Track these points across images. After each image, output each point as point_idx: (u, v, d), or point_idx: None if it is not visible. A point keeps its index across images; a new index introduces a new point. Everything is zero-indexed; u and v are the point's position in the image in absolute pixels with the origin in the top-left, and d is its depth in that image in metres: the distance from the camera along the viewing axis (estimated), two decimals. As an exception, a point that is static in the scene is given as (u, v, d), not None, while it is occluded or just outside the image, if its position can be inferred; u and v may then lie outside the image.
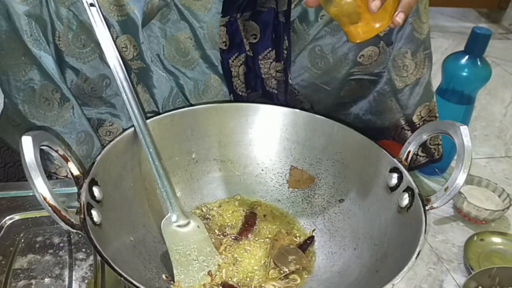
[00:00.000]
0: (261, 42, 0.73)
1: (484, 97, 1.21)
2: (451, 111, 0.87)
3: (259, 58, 0.74)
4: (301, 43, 0.74)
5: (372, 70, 0.76)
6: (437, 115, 0.81)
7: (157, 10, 0.69)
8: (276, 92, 0.76)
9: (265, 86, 0.75)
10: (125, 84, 0.60)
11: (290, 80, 0.75)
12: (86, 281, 0.57)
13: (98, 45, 0.68)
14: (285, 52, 0.73)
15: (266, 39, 0.73)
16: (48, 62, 0.67)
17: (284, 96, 0.76)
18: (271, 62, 0.73)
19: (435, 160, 0.84)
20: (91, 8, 0.63)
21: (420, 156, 0.84)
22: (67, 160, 0.53)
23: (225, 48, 0.72)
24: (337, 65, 0.74)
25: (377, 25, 0.55)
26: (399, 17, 0.54)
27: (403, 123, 0.80)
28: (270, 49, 0.73)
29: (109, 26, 0.67)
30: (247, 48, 0.73)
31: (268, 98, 0.76)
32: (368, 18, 0.54)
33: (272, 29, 0.72)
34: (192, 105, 0.72)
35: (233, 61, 0.73)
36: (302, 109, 0.69)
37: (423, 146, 0.82)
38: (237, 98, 0.75)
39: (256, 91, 0.76)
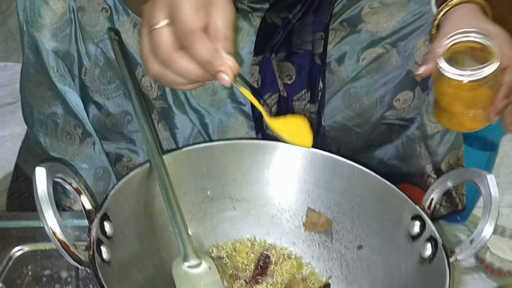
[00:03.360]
0: (296, 83, 0.72)
1: (507, 143, 1.18)
2: (474, 158, 0.85)
3: (293, 99, 0.73)
4: (337, 84, 0.73)
5: (404, 115, 0.75)
6: (464, 164, 0.79)
7: None
8: None
9: None
10: (143, 118, 0.60)
11: (323, 122, 0.74)
12: (91, 319, 0.56)
13: (123, 81, 0.69)
14: (319, 94, 0.73)
15: (302, 80, 0.72)
16: (73, 97, 0.67)
17: (315, 138, 0.75)
18: (305, 104, 0.73)
19: (459, 211, 0.81)
20: (115, 42, 0.63)
21: (443, 206, 0.81)
22: (80, 193, 0.52)
23: (257, 86, 0.71)
24: (372, 107, 0.74)
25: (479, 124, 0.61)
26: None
27: (429, 170, 0.78)
28: (305, 90, 0.72)
29: (136, 64, 0.68)
30: (281, 88, 0.72)
31: None
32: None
33: (308, 71, 0.72)
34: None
35: (265, 100, 0.72)
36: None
37: (448, 195, 0.80)
38: (266, 139, 0.74)
39: None
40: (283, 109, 0.74)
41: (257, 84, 0.71)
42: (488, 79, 0.54)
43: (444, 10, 0.62)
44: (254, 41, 0.71)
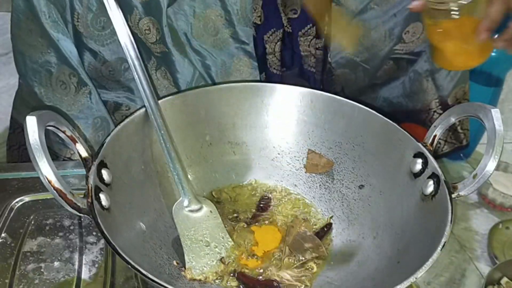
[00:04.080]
0: (301, 17, 0.69)
1: (512, 78, 1.16)
2: (478, 93, 0.83)
3: (299, 35, 0.70)
4: (345, 18, 0.70)
5: (413, 49, 0.72)
6: (469, 98, 0.77)
7: None
8: (314, 70, 0.73)
9: (303, 64, 0.72)
10: (136, 62, 0.58)
11: (329, 58, 0.72)
12: (96, 265, 0.56)
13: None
14: (326, 28, 0.70)
15: (307, 14, 0.69)
16: (66, 45, 0.65)
17: (321, 75, 0.73)
18: (311, 39, 0.70)
19: (463, 146, 0.80)
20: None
21: (448, 142, 0.80)
22: (75, 142, 0.51)
23: (260, 23, 0.68)
24: (381, 41, 0.71)
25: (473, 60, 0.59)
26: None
27: (435, 106, 0.76)
28: (310, 25, 0.69)
29: (132, 7, 0.65)
30: (285, 23, 0.69)
31: (304, 78, 0.73)
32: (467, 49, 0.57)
33: (313, 4, 0.68)
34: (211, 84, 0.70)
35: (269, 37, 0.70)
36: (327, 91, 0.65)
37: (452, 130, 0.79)
38: (270, 77, 0.72)
39: (292, 69, 0.73)
40: (288, 46, 0.71)
41: (260, 20, 0.68)
42: (469, 9, 0.53)
43: None
44: None
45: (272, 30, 0.69)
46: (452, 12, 0.54)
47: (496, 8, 0.52)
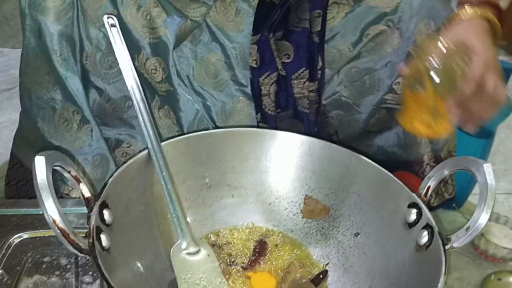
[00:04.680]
0: (294, 61, 0.72)
1: (503, 131, 1.19)
2: (470, 145, 0.85)
3: (292, 78, 0.73)
4: (341, 61, 0.73)
5: None
6: (456, 150, 0.80)
7: (189, 32, 0.69)
8: (307, 112, 0.75)
9: (297, 105, 0.75)
10: (141, 105, 0.60)
11: (322, 101, 0.74)
12: (91, 305, 0.56)
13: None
14: (319, 72, 0.73)
15: (300, 58, 0.72)
16: (74, 82, 0.67)
17: (315, 117, 0.75)
18: (304, 82, 0.73)
19: (451, 199, 0.82)
20: (112, 28, 0.63)
21: (439, 195, 0.82)
22: (79, 182, 0.52)
23: (255, 66, 0.71)
24: (373, 88, 0.73)
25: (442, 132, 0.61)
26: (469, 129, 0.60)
27: (428, 158, 0.78)
28: (303, 68, 0.72)
29: (140, 48, 0.67)
30: (280, 67, 0.72)
31: (299, 119, 0.75)
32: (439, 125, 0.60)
33: (306, 49, 0.71)
34: (213, 128, 0.72)
35: (264, 80, 0.72)
36: (322, 137, 0.67)
37: (443, 183, 0.81)
38: (265, 118, 0.74)
39: (287, 110, 0.75)
40: (282, 88, 0.74)
41: (256, 63, 0.71)
42: (444, 88, 0.57)
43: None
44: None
45: (267, 73, 0.72)
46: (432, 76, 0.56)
47: (468, 85, 0.55)
